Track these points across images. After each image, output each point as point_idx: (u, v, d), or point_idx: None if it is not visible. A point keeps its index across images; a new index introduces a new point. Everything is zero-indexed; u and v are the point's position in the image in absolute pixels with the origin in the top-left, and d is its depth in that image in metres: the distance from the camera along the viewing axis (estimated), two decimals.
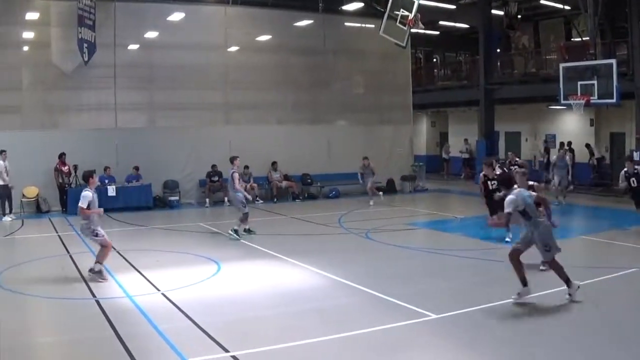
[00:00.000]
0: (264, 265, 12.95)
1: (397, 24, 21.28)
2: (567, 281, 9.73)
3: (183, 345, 7.86)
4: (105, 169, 22.93)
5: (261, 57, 25.70)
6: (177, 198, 23.79)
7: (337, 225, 18.51)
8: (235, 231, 16.09)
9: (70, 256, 14.47)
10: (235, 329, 8.67)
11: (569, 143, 28.50)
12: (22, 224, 20.03)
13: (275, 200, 24.57)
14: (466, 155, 35.10)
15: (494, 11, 29.92)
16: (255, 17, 25.57)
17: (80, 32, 22.71)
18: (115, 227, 19.05)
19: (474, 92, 31.29)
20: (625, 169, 16.64)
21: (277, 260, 13.35)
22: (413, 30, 21.39)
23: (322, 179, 25.84)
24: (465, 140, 35.12)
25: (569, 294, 9.65)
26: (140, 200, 22.96)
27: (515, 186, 10.07)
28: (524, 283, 9.72)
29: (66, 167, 22.48)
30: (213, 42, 24.74)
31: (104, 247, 11.91)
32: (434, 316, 8.70)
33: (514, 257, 9.79)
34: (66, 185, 22.51)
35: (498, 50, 32.59)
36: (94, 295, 10.72)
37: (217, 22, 24.87)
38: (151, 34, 24.38)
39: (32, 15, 23.09)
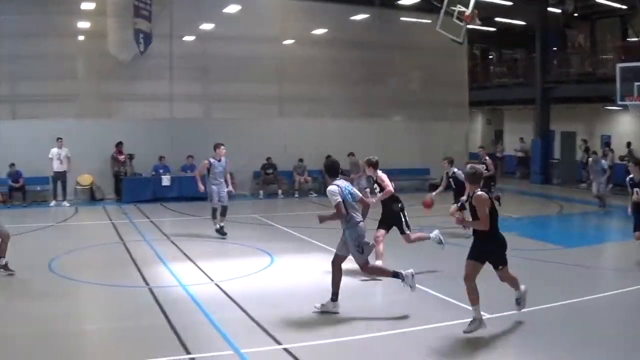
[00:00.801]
0: (316, 259, 12.69)
1: (454, 19, 21.01)
2: (396, 275, 9.14)
3: (236, 336, 7.80)
4: (160, 158, 23.15)
5: (316, 50, 25.59)
6: (231, 189, 23.66)
7: None
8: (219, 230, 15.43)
9: (124, 244, 14.52)
10: (287, 322, 8.55)
11: (628, 144, 27.55)
12: (76, 211, 20.29)
13: None
14: (521, 154, 34.27)
15: (550, 9, 29.09)
16: (311, 10, 25.43)
17: (136, 23, 23.00)
18: (169, 217, 19.18)
19: (530, 90, 30.66)
20: (631, 176, 12.85)
21: (330, 253, 13.06)
22: (469, 26, 20.99)
23: None
24: (521, 139, 34.34)
25: (405, 284, 9.16)
26: (195, 190, 22.84)
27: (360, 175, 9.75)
28: (334, 296, 9.08)
29: (122, 156, 22.66)
30: (268, 35, 24.68)
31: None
32: (487, 316, 8.37)
33: (336, 263, 9.23)
34: (121, 174, 22.66)
35: (555, 49, 31.72)
36: (147, 284, 10.73)
37: (273, 14, 24.83)
38: (207, 26, 24.50)
39: (88, 5, 23.37)
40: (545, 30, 29.74)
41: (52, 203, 21.79)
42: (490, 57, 39.92)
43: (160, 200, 22.11)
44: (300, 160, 24.24)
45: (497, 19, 31.29)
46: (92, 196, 22.93)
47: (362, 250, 8.99)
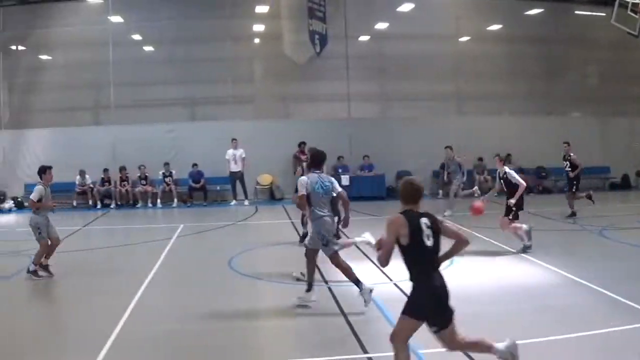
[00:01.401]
0: (498, 260, 12.19)
1: (629, 12, 19.96)
2: (357, 282, 8.78)
3: (414, 336, 7.23)
4: (339, 158, 22.85)
5: (492, 46, 24.88)
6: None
7: (570, 220, 17.18)
8: None
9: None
10: (466, 323, 7.72)
11: None
12: (256, 211, 20.18)
13: None
14: None
15: None
16: (485, 5, 24.88)
17: (311, 24, 22.99)
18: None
19: None
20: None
21: (512, 255, 12.48)
22: None
23: (557, 172, 24.28)
24: None
25: (361, 295, 8.68)
26: (374, 190, 22.59)
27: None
28: (309, 286, 9.00)
29: (304, 156, 22.42)
30: (443, 32, 24.24)
31: (43, 247, 11.17)
32: None
33: (310, 256, 9.09)
34: (301, 174, 22.38)
35: None
36: (326, 282, 10.53)
37: (447, 11, 24.37)
38: (381, 25, 24.23)
39: (262, 9, 23.69)
40: None
41: (233, 202, 21.85)
42: None
43: None
44: (480, 159, 23.39)
45: None
46: (271, 195, 22.89)
47: (326, 243, 8.85)
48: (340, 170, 22.65)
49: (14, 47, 24.58)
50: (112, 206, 22.57)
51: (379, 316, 8.47)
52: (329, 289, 10.09)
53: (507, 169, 12.74)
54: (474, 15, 24.64)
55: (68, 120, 23.95)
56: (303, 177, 9.03)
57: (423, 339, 7.22)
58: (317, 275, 10.56)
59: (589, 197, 17.45)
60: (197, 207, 21.09)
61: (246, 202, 21.75)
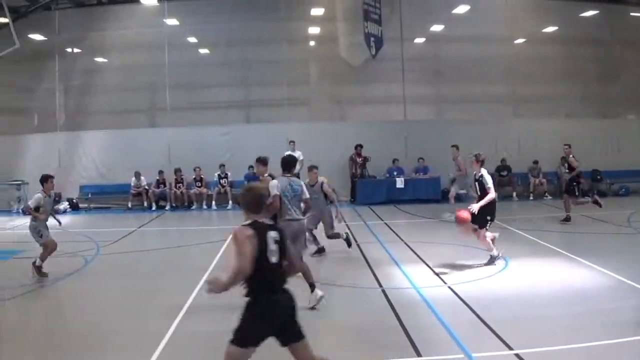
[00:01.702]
0: (552, 263, 11.93)
1: None
2: (311, 286, 8.99)
3: (467, 339, 7.51)
4: (394, 160, 22.78)
5: (547, 48, 24.57)
6: (464, 192, 22.91)
7: (626, 224, 16.82)
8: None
9: (358, 245, 14.20)
10: (519, 327, 8.09)
11: None
12: None
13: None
14: None
15: None
16: (541, 8, 24.61)
17: (367, 27, 22.97)
18: (402, 219, 18.73)
19: None
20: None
21: (565, 258, 12.24)
22: None
23: (611, 175, 24.06)
24: None
25: (310, 301, 8.86)
26: (429, 192, 22.46)
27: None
28: (311, 287, 9.07)
29: (360, 159, 22.43)
30: (499, 34, 23.99)
31: (46, 249, 11.59)
32: None
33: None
34: (356, 176, 22.41)
35: None
36: (380, 285, 10.47)
37: (502, 13, 24.12)
38: (437, 27, 24.08)
39: (317, 11, 23.66)
40: None
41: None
42: None
43: (393, 202, 21.62)
44: (535, 162, 23.19)
45: None
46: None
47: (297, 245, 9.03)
48: (395, 173, 22.60)
49: (69, 50, 24.78)
50: (167, 208, 22.66)
51: (434, 320, 8.42)
52: (383, 291, 10.04)
53: (484, 171, 11.68)
54: (529, 17, 24.40)
55: (123, 123, 24.13)
56: (274, 181, 9.29)
57: (482, 343, 7.41)
58: (372, 279, 10.80)
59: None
60: None
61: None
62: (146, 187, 22.79)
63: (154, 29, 23.77)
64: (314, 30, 24.13)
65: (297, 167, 21.17)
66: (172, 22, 23.85)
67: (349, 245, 13.18)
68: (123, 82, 23.82)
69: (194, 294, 9.74)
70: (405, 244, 13.97)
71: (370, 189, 22.49)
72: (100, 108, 24.13)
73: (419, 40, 24.36)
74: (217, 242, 14.54)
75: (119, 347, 7.83)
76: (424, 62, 23.98)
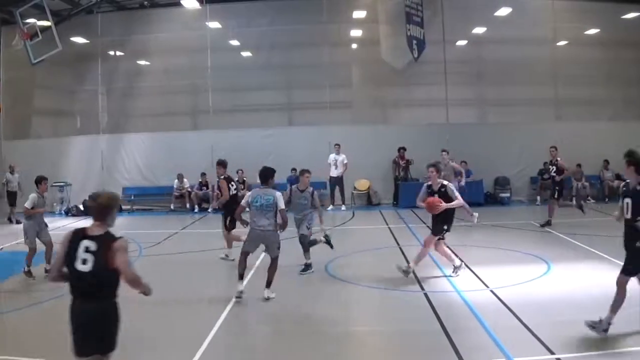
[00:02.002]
0: (595, 268, 11.81)
1: None
2: (269, 284, 9.96)
3: (509, 344, 7.56)
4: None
5: (589, 51, 24.40)
6: (508, 195, 22.94)
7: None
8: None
9: (400, 248, 14.28)
10: (561, 331, 8.01)
11: None
12: (353, 216, 20.11)
13: (606, 200, 22.98)
14: None
15: None
16: (582, 10, 24.35)
17: (409, 29, 22.88)
18: None
19: None
20: None
21: (608, 262, 11.95)
22: None
23: None
24: None
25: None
26: (471, 195, 22.18)
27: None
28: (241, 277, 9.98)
29: (403, 161, 22.42)
30: (541, 37, 23.81)
31: (30, 251, 12.15)
32: None
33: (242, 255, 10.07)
34: (399, 180, 22.41)
35: None
36: (422, 288, 10.51)
37: (544, 15, 23.96)
38: (479, 30, 23.99)
39: (359, 14, 23.65)
40: None
41: (330, 207, 21.78)
42: None
43: None
44: (578, 165, 23.03)
45: None
46: (368, 200, 22.83)
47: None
48: None
49: (112, 53, 24.94)
50: (209, 210, 22.64)
51: (475, 324, 8.43)
52: (425, 295, 10.08)
53: (446, 182, 11.23)
54: (571, 19, 24.18)
55: (166, 125, 24.31)
56: (250, 192, 10.11)
57: (523, 348, 7.41)
58: (414, 283, 10.87)
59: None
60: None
61: (343, 208, 21.74)
62: (189, 189, 22.91)
63: (196, 32, 23.91)
64: (356, 33, 24.18)
65: (340, 170, 21.41)
66: (214, 25, 23.94)
67: (332, 246, 12.76)
68: (165, 85, 23.99)
69: (233, 300, 9.88)
70: (447, 247, 13.91)
71: (412, 192, 22.35)
72: (142, 111, 24.34)
73: (461, 42, 24.26)
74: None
75: (160, 348, 8.04)
76: (466, 65, 23.84)
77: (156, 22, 24.14)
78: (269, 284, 9.91)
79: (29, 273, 12.05)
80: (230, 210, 12.64)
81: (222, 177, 13.51)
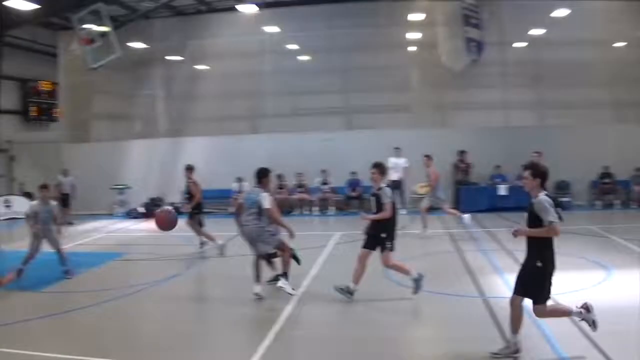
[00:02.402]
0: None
1: None
2: (256, 279, 10.45)
3: (569, 351, 7.60)
4: (496, 167, 22.65)
5: None
6: (568, 199, 22.78)
7: None
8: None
9: (460, 253, 14.26)
10: (622, 339, 7.94)
11: None
12: (412, 220, 20.06)
13: None
14: None
15: None
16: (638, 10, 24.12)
17: (467, 31, 22.91)
18: (506, 227, 18.46)
19: None
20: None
21: None
22: None
23: None
24: None
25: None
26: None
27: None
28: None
29: (464, 165, 22.39)
30: (600, 38, 23.50)
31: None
32: None
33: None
34: (460, 183, 22.39)
35: None
36: (481, 294, 10.44)
37: (603, 17, 23.67)
38: (537, 31, 23.79)
39: (417, 16, 23.56)
40: None
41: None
42: None
43: (497, 210, 21.46)
44: (638, 169, 22.89)
45: None
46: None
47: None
48: (498, 180, 22.48)
49: (170, 58, 25.16)
50: None
51: (535, 331, 8.33)
52: (485, 301, 10.02)
53: (383, 184, 10.18)
54: (630, 20, 23.96)
55: (225, 129, 24.50)
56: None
57: (583, 355, 7.44)
58: (473, 288, 10.86)
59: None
60: (352, 216, 21.05)
61: (403, 212, 21.67)
62: None
63: (253, 36, 24.07)
64: (414, 35, 24.09)
65: (401, 174, 21.39)
66: (272, 29, 24.05)
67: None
68: (224, 89, 24.18)
69: (295, 300, 10.12)
70: (508, 252, 13.77)
71: (472, 196, 22.39)
72: (201, 114, 24.55)
73: (520, 44, 24.09)
74: (317, 248, 14.80)
75: (221, 346, 8.37)
76: (524, 67, 23.63)
77: (214, 27, 24.38)
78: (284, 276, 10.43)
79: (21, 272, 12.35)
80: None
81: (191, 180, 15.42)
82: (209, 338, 8.71)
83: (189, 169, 15.62)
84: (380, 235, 10.02)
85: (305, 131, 23.83)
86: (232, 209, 22.87)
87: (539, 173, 7.38)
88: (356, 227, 17.36)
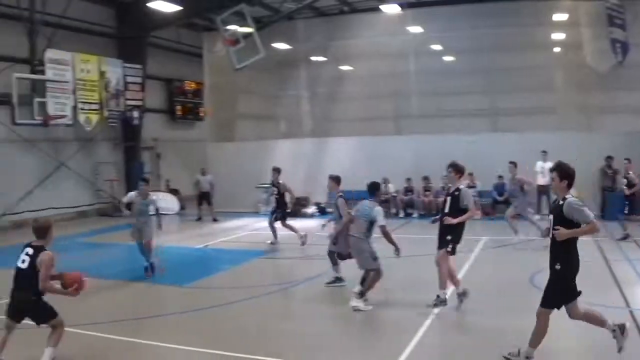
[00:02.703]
0: None
1: None
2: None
3: None
4: None
5: None
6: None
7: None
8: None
9: (606, 262, 13.90)
10: None
11: None
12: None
13: None
14: None
15: None
16: None
17: (611, 32, 22.47)
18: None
19: None
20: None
21: None
22: None
23: None
24: None
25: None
26: None
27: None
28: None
29: (611, 171, 22.33)
30: None
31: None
32: None
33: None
34: (608, 190, 22.36)
35: None
36: (628, 305, 10.09)
37: None
38: None
39: (560, 16, 23.25)
40: None
41: (537, 217, 21.80)
42: None
43: None
44: None
45: None
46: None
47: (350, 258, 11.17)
48: None
49: (314, 58, 25.53)
50: (414, 215, 23.10)
51: None
52: (631, 312, 9.63)
53: (462, 185, 10.29)
54: None
55: (369, 129, 24.84)
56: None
57: None
58: (619, 299, 10.51)
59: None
60: (499, 221, 21.03)
61: (537, 217, 21.72)
62: (394, 194, 23.51)
63: (396, 36, 24.20)
64: (558, 36, 23.85)
65: (549, 179, 21.37)
66: (415, 29, 24.16)
67: None
68: (368, 90, 24.48)
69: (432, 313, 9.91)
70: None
71: (620, 203, 22.35)
72: (345, 115, 24.94)
73: None
74: (463, 254, 13.83)
75: (364, 350, 8.48)
76: None
77: (356, 27, 24.55)
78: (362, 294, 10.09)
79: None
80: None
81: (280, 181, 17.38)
82: (340, 342, 8.87)
83: (277, 170, 17.41)
84: (445, 238, 9.87)
85: (448, 132, 23.93)
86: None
87: (566, 175, 7.16)
88: (504, 233, 17.40)
